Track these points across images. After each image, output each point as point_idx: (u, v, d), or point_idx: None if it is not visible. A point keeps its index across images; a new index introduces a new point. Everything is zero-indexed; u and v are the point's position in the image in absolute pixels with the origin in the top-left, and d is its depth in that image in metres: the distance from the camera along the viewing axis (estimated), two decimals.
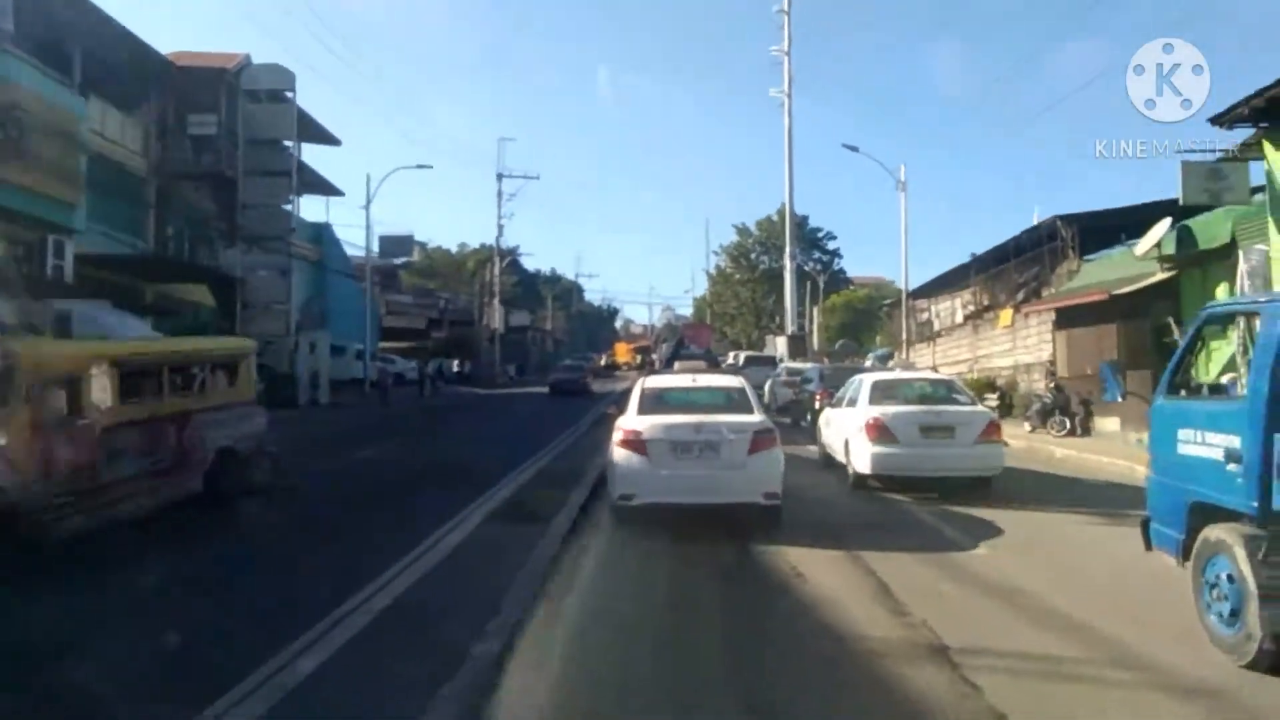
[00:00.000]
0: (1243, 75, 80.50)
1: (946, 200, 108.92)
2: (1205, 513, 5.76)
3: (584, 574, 7.63)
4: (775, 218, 65.25)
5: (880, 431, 11.75)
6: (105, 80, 24.12)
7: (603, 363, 69.56)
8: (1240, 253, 15.20)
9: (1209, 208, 15.88)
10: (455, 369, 50.47)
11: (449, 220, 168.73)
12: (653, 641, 5.94)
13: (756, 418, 9.69)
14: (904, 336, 34.73)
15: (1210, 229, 16.97)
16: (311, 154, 39.84)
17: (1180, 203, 14.73)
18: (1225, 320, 7.57)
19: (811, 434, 16.79)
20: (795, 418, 22.47)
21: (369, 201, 38.73)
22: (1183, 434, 6.02)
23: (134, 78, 26.22)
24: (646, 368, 44.83)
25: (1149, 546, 6.52)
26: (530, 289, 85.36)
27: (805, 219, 67.36)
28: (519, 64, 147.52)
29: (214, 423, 10.25)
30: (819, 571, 7.62)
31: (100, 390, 8.51)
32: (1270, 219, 14.70)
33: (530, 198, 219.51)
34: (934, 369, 24.91)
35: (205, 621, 6.11)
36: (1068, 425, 19.72)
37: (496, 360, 54.40)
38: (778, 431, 9.70)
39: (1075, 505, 11.15)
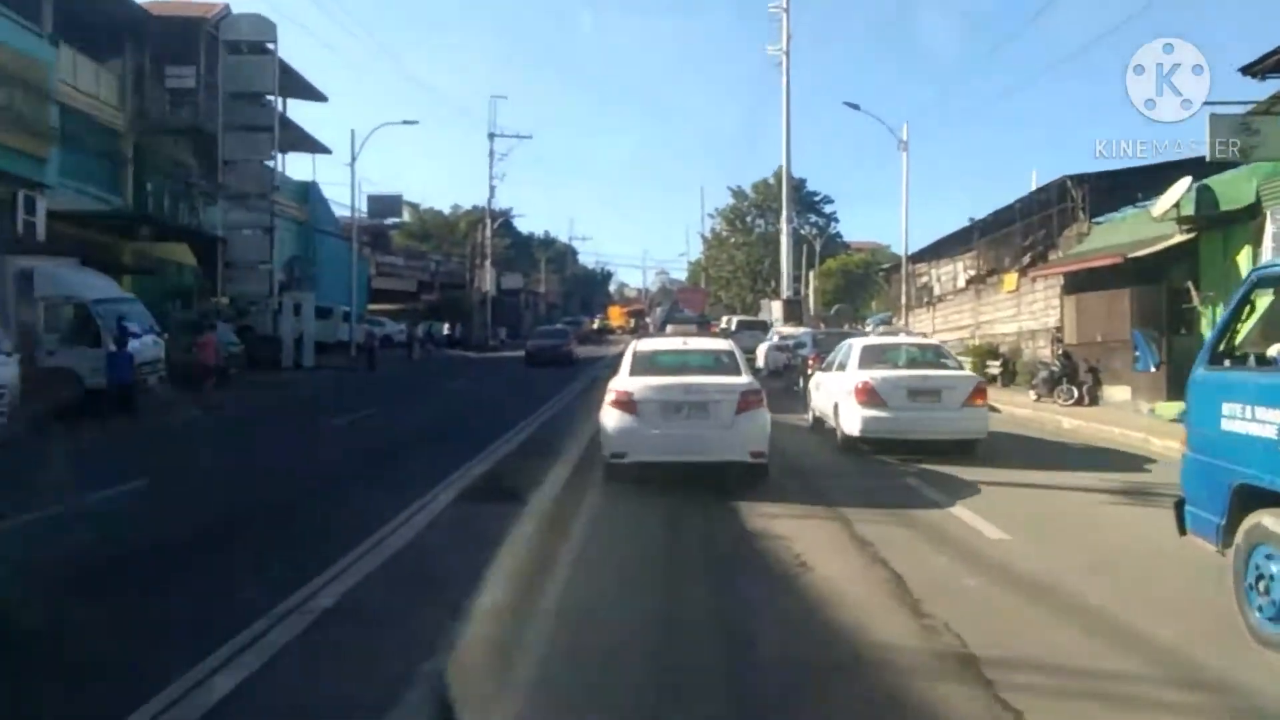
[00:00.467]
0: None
1: (947, 162, 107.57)
2: (1251, 496, 5.22)
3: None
4: (771, 180, 64.47)
5: (869, 395, 12.04)
6: (77, 29, 23.16)
7: (595, 326, 69.35)
8: (1268, 213, 14.55)
9: (1234, 164, 15.14)
10: (446, 332, 49.81)
11: (442, 181, 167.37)
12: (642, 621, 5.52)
13: (744, 379, 10.06)
14: (904, 301, 34.05)
15: (1233, 189, 16.25)
16: (299, 111, 38.90)
17: (1207, 158, 13.97)
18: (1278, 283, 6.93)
19: (805, 400, 16.45)
20: (788, 383, 21.89)
21: (354, 158, 38.01)
22: (1227, 408, 5.44)
23: (108, 27, 25.34)
24: (640, 331, 44.41)
25: (1183, 531, 5.98)
26: (523, 251, 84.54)
27: (802, 182, 66.60)
28: (512, 17, 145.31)
29: None
30: (824, 563, 6.93)
31: None
32: None
33: (524, 159, 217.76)
34: (925, 335, 24.26)
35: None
36: (1075, 394, 19.17)
37: (488, 323, 53.98)
38: (764, 392, 9.99)
39: (1090, 478, 10.59)
